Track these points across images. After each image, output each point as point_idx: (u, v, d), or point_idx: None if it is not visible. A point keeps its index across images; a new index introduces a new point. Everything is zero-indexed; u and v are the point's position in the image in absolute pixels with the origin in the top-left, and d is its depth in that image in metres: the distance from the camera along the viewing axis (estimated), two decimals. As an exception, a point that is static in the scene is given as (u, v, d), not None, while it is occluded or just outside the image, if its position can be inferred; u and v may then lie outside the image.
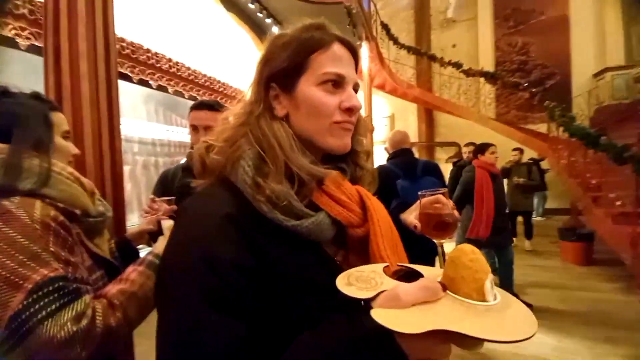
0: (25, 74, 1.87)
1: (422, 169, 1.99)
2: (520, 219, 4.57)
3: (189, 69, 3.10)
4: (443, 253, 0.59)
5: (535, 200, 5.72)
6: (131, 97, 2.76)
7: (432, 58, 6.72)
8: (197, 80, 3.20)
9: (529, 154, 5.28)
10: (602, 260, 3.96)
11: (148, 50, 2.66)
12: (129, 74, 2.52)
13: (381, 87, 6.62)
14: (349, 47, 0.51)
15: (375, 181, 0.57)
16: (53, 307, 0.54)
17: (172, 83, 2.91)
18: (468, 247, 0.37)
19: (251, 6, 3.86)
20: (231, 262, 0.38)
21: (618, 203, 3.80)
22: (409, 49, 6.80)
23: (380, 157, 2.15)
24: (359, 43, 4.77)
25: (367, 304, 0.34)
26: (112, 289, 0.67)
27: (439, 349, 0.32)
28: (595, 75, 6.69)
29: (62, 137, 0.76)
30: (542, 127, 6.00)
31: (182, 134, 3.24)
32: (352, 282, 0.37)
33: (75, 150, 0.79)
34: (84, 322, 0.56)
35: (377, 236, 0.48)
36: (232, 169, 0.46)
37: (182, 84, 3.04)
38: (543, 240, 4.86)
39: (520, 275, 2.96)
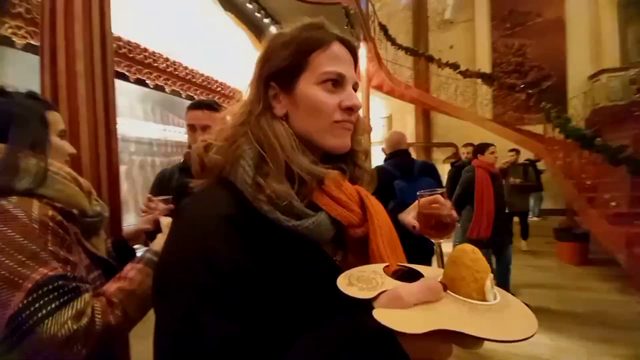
0: (22, 72, 1.86)
1: (419, 169, 2.00)
2: (516, 219, 4.60)
3: (186, 68, 3.08)
4: (441, 253, 0.59)
5: (532, 201, 5.75)
6: (128, 96, 2.75)
7: (430, 59, 6.75)
8: (194, 80, 3.19)
9: (526, 155, 5.32)
10: (598, 260, 4.00)
11: (145, 50, 2.65)
12: (126, 73, 2.51)
13: (379, 88, 6.64)
14: (348, 47, 0.51)
15: (374, 181, 0.57)
16: (53, 305, 0.54)
17: (169, 82, 2.90)
18: (469, 247, 0.37)
19: (249, 6, 3.85)
20: (230, 263, 0.38)
21: (613, 204, 3.83)
22: (407, 50, 6.83)
23: (377, 158, 2.16)
24: (357, 43, 4.77)
25: (369, 304, 0.34)
26: (111, 287, 0.67)
27: (441, 349, 0.32)
28: (591, 76, 6.74)
29: (58, 137, 0.76)
30: (538, 128, 6.04)
31: (180, 134, 3.23)
32: (353, 282, 0.37)
33: (71, 149, 0.79)
34: (84, 320, 0.56)
35: (376, 236, 0.48)
36: (231, 169, 0.46)
37: (180, 84, 3.03)
38: (539, 240, 4.90)
39: (516, 275, 2.97)
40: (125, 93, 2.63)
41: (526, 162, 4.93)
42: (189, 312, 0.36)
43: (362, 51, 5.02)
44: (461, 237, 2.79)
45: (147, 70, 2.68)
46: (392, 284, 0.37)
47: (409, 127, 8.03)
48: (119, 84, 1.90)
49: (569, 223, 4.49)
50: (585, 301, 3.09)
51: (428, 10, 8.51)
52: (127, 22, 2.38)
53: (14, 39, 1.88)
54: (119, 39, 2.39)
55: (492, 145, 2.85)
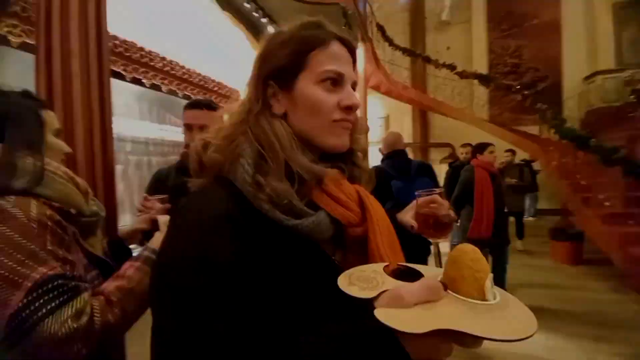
0: (17, 71, 1.84)
1: (416, 169, 2.01)
2: (511, 219, 4.63)
3: (183, 67, 3.07)
4: (439, 252, 0.59)
5: (527, 201, 5.80)
6: (124, 95, 2.73)
7: (427, 60, 6.77)
8: (191, 79, 3.18)
9: (521, 156, 5.36)
10: (592, 260, 4.03)
11: (141, 49, 2.64)
12: (122, 72, 2.50)
13: (376, 88, 6.65)
14: (347, 46, 0.51)
15: (372, 180, 0.57)
16: (53, 304, 0.54)
17: (165, 82, 2.89)
18: (469, 247, 0.37)
19: (247, 5, 3.84)
20: (228, 262, 0.38)
21: (607, 204, 3.87)
22: (404, 51, 6.85)
23: (374, 158, 2.16)
24: (354, 43, 4.77)
25: (370, 303, 0.35)
26: (110, 285, 0.67)
27: (441, 348, 0.32)
28: (586, 78, 6.81)
29: (54, 136, 0.75)
30: (534, 129, 6.08)
31: (176, 133, 3.22)
32: (353, 282, 0.37)
33: (67, 148, 0.79)
34: (84, 319, 0.57)
35: (376, 235, 0.48)
36: (230, 168, 0.45)
37: (176, 83, 3.02)
38: (534, 240, 4.93)
39: (512, 275, 2.99)
40: (122, 92, 2.61)
41: (522, 162, 4.97)
42: (187, 312, 0.36)
43: (360, 52, 5.04)
44: (461, 237, 2.79)
45: (143, 70, 2.66)
46: (392, 283, 0.37)
47: (406, 128, 8.06)
48: (115, 83, 1.88)
49: (564, 223, 4.53)
50: (581, 300, 3.11)
51: (425, 12, 8.54)
52: (123, 21, 2.36)
53: (9, 38, 1.86)
54: (115, 37, 2.37)
55: (491, 144, 2.84)
